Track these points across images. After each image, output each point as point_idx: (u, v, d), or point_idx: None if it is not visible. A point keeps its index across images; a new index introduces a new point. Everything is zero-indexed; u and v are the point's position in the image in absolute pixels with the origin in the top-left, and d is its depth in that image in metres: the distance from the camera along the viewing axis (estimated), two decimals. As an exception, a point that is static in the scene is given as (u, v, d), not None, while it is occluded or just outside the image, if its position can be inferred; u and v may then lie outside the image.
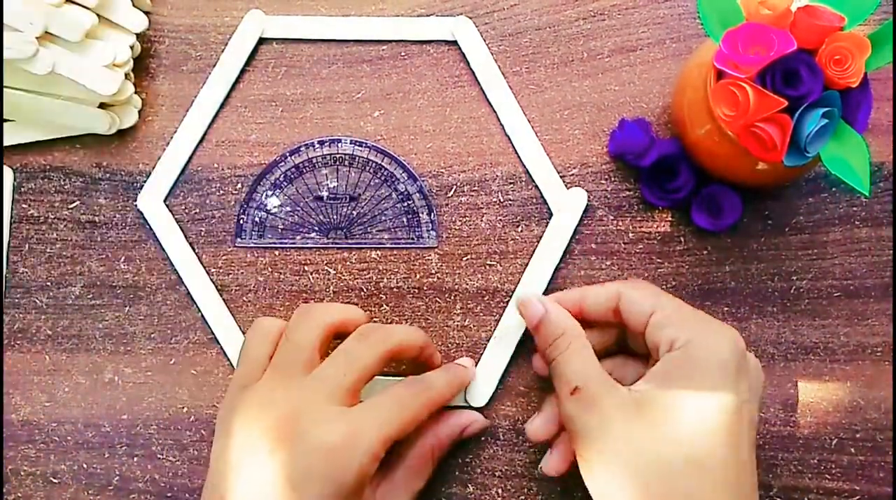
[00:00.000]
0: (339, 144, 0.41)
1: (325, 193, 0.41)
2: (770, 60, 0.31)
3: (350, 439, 0.31)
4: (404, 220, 0.41)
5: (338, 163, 0.41)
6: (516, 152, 0.41)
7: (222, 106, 0.42)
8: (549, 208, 0.41)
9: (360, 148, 0.41)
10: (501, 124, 0.41)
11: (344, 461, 0.31)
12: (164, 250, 0.41)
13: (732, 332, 0.32)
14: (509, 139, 0.41)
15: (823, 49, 0.31)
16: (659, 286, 0.37)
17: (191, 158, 0.42)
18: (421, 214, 0.41)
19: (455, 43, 0.42)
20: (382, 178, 0.41)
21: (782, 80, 0.32)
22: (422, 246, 0.41)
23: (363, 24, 0.42)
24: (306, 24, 0.43)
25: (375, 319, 0.40)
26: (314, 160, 0.41)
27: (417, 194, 0.41)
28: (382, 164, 0.41)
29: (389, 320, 0.40)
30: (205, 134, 0.42)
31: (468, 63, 0.42)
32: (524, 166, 0.41)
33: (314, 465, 0.30)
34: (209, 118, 0.42)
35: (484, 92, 0.42)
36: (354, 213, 0.41)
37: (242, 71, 0.42)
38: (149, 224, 0.41)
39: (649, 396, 0.31)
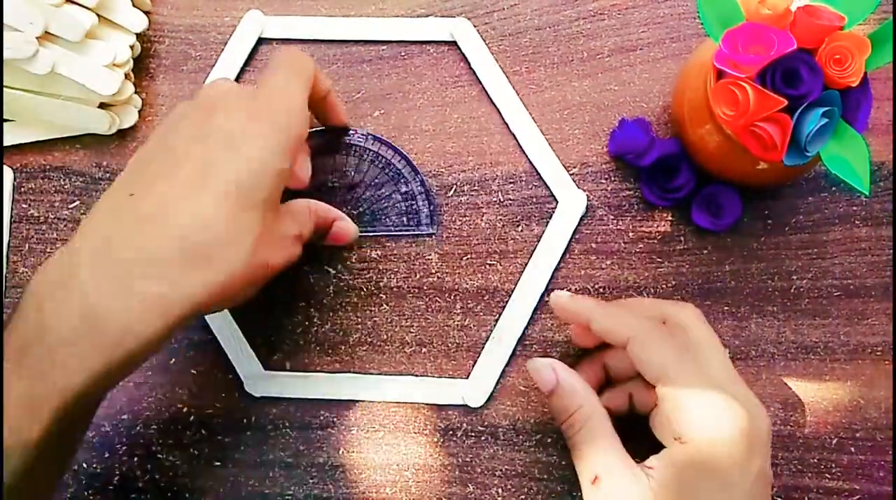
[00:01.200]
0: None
1: (324, 180, 0.41)
2: (770, 60, 0.31)
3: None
4: (403, 207, 0.41)
5: (335, 152, 0.41)
6: (522, 150, 0.41)
7: (222, 106, 0.42)
8: (549, 208, 0.41)
9: (357, 137, 0.41)
10: (506, 123, 0.41)
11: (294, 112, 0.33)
12: (164, 249, 0.40)
13: (736, 414, 0.31)
14: (513, 137, 0.41)
15: (823, 48, 0.31)
16: (659, 286, 0.37)
17: (191, 157, 0.42)
18: (419, 200, 0.41)
19: (455, 43, 0.42)
20: (380, 166, 0.41)
21: (782, 80, 0.32)
22: (421, 233, 0.41)
23: (363, 24, 0.42)
24: (306, 24, 0.43)
25: (375, 318, 0.40)
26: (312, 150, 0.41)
27: (415, 182, 0.41)
28: (379, 152, 0.41)
29: (390, 321, 0.40)
30: (205, 134, 0.42)
31: (468, 63, 0.42)
32: (530, 164, 0.41)
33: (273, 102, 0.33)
34: (209, 118, 0.42)
35: (485, 91, 0.42)
36: (354, 204, 0.41)
37: (242, 71, 0.42)
38: (149, 224, 0.41)
39: (664, 488, 0.30)
